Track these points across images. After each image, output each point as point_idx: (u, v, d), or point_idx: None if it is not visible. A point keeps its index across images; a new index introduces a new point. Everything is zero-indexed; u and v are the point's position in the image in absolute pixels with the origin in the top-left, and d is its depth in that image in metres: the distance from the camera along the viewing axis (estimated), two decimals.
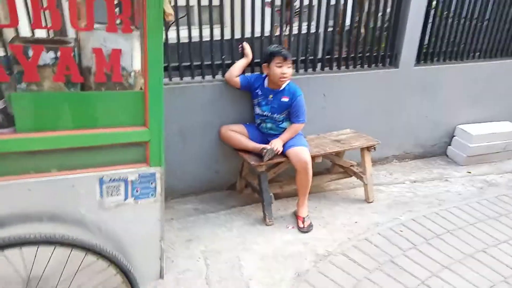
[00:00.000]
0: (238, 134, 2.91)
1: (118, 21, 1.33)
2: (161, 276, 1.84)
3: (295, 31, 3.17)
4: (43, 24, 1.29)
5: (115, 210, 1.60)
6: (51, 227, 1.51)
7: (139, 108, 1.49)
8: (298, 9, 3.45)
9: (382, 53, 3.57)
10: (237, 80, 2.89)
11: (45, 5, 1.23)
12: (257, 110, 2.91)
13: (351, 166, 3.30)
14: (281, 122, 2.89)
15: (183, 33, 2.82)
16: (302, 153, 2.72)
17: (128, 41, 1.42)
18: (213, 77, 3.01)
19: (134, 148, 1.55)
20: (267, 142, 2.89)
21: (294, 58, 3.13)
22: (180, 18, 2.73)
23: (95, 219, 1.58)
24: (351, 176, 3.33)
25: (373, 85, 3.53)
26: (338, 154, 3.40)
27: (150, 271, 1.80)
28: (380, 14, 3.39)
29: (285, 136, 2.84)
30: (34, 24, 1.26)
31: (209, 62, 2.95)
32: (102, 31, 1.34)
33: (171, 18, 1.36)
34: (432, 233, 2.81)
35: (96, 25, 1.33)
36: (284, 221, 2.91)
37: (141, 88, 1.52)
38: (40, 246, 1.44)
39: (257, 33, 3.03)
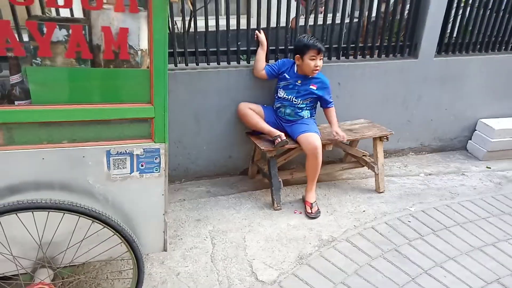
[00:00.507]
0: (255, 115, 2.95)
1: (126, 1, 1.40)
2: (164, 248, 1.92)
3: (319, 21, 3.19)
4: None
5: (122, 183, 1.70)
6: (62, 195, 1.62)
7: (145, 85, 1.56)
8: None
9: (401, 43, 3.51)
10: (263, 73, 2.94)
11: None
12: (281, 93, 2.93)
13: (363, 156, 3.30)
14: (301, 110, 2.92)
15: (200, 22, 2.89)
16: (312, 139, 2.75)
17: (136, 21, 1.49)
18: (228, 63, 3.06)
19: (140, 124, 1.63)
20: (280, 127, 2.93)
21: None
22: (198, 9, 2.81)
23: (103, 190, 1.68)
24: (363, 166, 3.32)
25: (390, 75, 3.49)
26: (351, 143, 3.40)
27: (154, 243, 1.89)
28: (400, 3, 3.34)
29: (335, 122, 2.94)
30: (48, 2, 1.35)
31: (225, 49, 3.01)
32: (110, 10, 1.42)
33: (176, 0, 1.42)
34: (441, 224, 2.79)
35: (105, 5, 1.41)
36: (292, 207, 2.96)
37: (147, 67, 1.60)
38: (50, 212, 1.55)
39: (282, 23, 3.08)
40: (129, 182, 1.71)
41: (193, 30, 2.89)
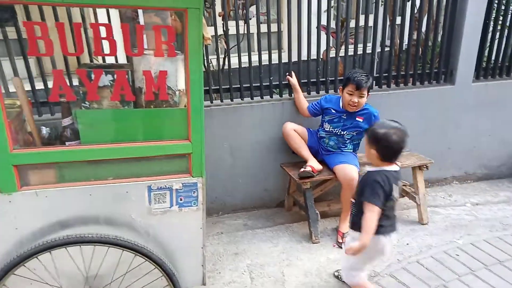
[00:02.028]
0: (298, 137, 2.96)
1: (164, 47, 1.52)
2: (203, 283, 1.94)
3: (350, 52, 3.24)
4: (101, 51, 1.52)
5: (162, 217, 1.76)
6: (106, 229, 1.70)
7: (183, 123, 1.65)
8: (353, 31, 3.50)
9: (436, 70, 3.47)
10: (307, 113, 3.01)
11: (103, 35, 1.45)
12: (326, 126, 2.94)
13: (403, 185, 3.20)
14: (344, 145, 2.91)
15: (234, 59, 3.05)
16: (349, 170, 2.72)
17: (173, 63, 1.61)
18: (261, 97, 3.15)
19: (179, 160, 1.71)
20: (319, 154, 2.96)
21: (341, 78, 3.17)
22: (232, 47, 2.96)
23: (144, 224, 1.75)
24: (403, 196, 3.22)
25: (427, 102, 3.43)
26: None
27: (193, 277, 1.91)
28: (432, 31, 3.34)
29: None
30: (96, 51, 1.49)
31: (258, 84, 3.11)
32: (151, 56, 1.54)
33: (209, 42, 1.52)
34: (493, 258, 2.61)
35: (146, 51, 1.54)
36: (331, 240, 2.89)
37: (184, 106, 1.69)
38: (96, 246, 1.63)
39: (313, 55, 3.16)
40: (169, 216, 1.77)
41: (227, 68, 3.03)
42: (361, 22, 3.21)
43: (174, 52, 1.55)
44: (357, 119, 2.85)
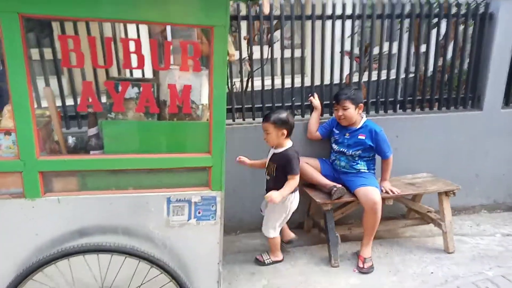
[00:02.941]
0: (311, 168, 2.96)
1: (190, 62, 1.56)
2: None
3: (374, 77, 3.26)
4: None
5: (179, 229, 1.76)
6: (124, 239, 1.71)
7: (204, 137, 1.66)
8: (377, 57, 3.51)
9: (463, 95, 3.40)
10: (317, 135, 3.03)
11: (132, 49, 1.51)
12: (334, 147, 2.96)
13: (428, 212, 3.10)
14: (355, 163, 2.87)
15: (256, 82, 3.12)
16: (371, 193, 2.66)
17: (198, 78, 1.64)
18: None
19: (199, 173, 1.72)
20: (338, 180, 2.89)
21: (364, 101, 3.14)
22: (255, 70, 3.04)
23: (162, 236, 1.75)
24: (428, 223, 3.11)
25: (453, 127, 3.35)
26: (414, 198, 3.23)
27: None
28: (458, 58, 3.31)
29: (385, 175, 2.89)
30: (124, 64, 1.55)
31: (280, 104, 3.14)
32: (176, 70, 1.59)
33: (234, 58, 1.55)
34: None
35: (172, 66, 1.58)
36: (351, 264, 2.80)
37: (207, 120, 1.71)
38: (114, 255, 1.64)
39: (336, 80, 3.20)
40: (186, 229, 1.76)
41: (250, 89, 3.08)
42: (385, 48, 3.22)
43: (200, 67, 1.59)
44: (359, 137, 2.83)
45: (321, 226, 2.97)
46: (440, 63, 3.33)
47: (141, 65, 1.57)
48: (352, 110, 2.76)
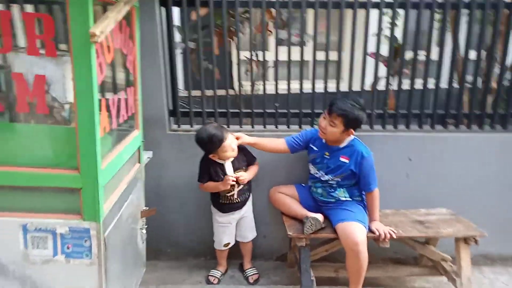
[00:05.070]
0: (288, 198, 2.42)
1: (40, 44, 1.13)
2: None
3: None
4: None
5: (44, 267, 1.34)
6: None
7: (70, 148, 1.23)
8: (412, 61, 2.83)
9: (504, 112, 2.63)
10: (284, 144, 2.39)
11: None
12: (311, 169, 2.39)
13: (442, 260, 2.39)
14: (333, 190, 2.28)
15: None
16: (351, 231, 2.06)
17: (59, 67, 1.21)
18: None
19: (64, 195, 1.29)
20: (319, 211, 2.31)
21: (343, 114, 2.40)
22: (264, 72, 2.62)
23: (19, 272, 1.34)
24: (441, 274, 2.40)
25: (485, 152, 2.60)
26: (429, 241, 2.52)
27: None
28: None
29: (373, 213, 2.26)
30: None
31: (296, 111, 2.67)
32: (24, 54, 1.17)
33: (96, 39, 1.09)
34: None
35: (18, 48, 1.17)
36: None
37: None
38: None
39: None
40: (53, 267, 1.35)
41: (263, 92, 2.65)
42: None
43: (54, 51, 1.16)
44: (340, 158, 2.21)
45: (299, 264, 2.40)
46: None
47: None
48: (338, 131, 2.14)
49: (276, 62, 2.58)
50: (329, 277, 2.45)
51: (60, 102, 1.29)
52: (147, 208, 1.95)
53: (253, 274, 2.54)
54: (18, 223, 1.29)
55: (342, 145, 2.22)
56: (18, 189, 1.27)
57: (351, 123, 2.12)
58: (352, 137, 2.23)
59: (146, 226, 1.96)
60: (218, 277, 2.55)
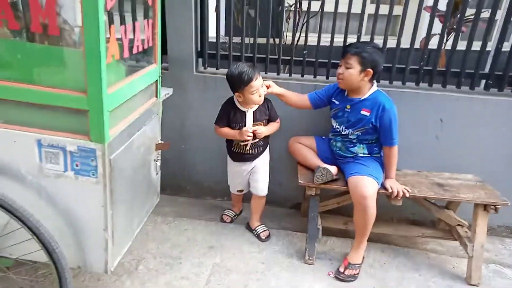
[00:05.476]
0: (305, 148, 2.41)
1: None
2: (105, 270, 1.60)
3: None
4: None
5: (56, 180, 1.46)
6: None
7: (78, 70, 1.28)
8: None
9: None
10: (307, 100, 2.35)
11: None
12: (333, 123, 2.33)
13: (458, 225, 2.32)
14: (352, 145, 2.23)
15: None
16: (361, 184, 2.03)
17: None
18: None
19: (74, 116, 1.36)
20: (335, 164, 2.29)
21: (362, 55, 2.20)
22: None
23: (35, 184, 1.47)
24: (455, 239, 2.35)
25: None
26: (448, 205, 2.45)
27: (93, 260, 1.59)
28: None
29: (391, 172, 2.20)
30: None
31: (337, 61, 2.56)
32: None
33: None
34: None
35: None
36: (331, 266, 2.26)
37: None
38: None
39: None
40: (64, 182, 1.46)
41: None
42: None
43: None
44: (361, 112, 2.12)
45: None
46: None
47: None
48: (356, 72, 2.04)
49: (322, 13, 2.44)
50: (339, 229, 2.47)
51: (71, 25, 1.34)
52: (162, 142, 2.02)
53: (264, 230, 2.46)
54: (34, 137, 1.39)
55: (364, 96, 2.13)
56: (34, 106, 1.36)
57: (368, 62, 2.02)
58: (375, 88, 2.13)
59: (160, 159, 2.05)
60: (232, 216, 2.66)
